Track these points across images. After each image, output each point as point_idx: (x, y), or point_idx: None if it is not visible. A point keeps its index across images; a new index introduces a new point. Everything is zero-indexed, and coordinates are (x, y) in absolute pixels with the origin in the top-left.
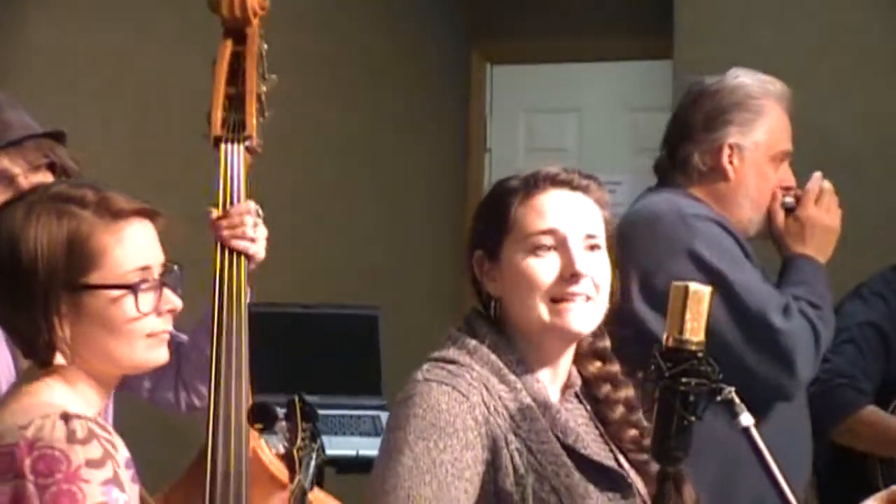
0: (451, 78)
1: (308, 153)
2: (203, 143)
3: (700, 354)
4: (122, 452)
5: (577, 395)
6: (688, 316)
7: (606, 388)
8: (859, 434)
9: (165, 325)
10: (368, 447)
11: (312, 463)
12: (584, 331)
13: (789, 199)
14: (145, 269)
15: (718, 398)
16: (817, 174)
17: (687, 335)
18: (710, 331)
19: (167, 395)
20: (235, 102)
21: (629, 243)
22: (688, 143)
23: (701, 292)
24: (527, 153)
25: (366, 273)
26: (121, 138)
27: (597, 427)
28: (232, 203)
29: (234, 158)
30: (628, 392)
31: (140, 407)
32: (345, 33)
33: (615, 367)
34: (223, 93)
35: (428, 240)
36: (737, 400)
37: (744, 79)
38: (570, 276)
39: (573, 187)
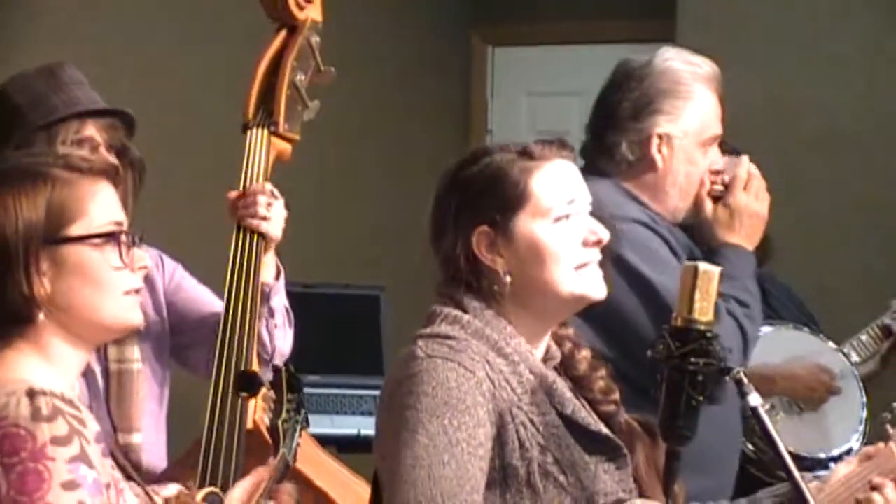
0: (452, 61)
1: (310, 135)
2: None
3: (709, 335)
4: (92, 426)
5: (555, 368)
6: (697, 296)
7: (569, 346)
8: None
9: (139, 282)
10: (370, 427)
11: (296, 435)
12: (603, 296)
13: (718, 187)
14: (119, 223)
15: (727, 378)
16: (744, 158)
17: (696, 315)
18: (636, 336)
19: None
20: (270, 91)
21: None
22: (614, 130)
23: (710, 272)
24: (529, 136)
25: (368, 253)
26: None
27: (578, 399)
28: (251, 185)
29: (258, 143)
30: (587, 351)
31: None
32: (346, 17)
33: (571, 330)
34: (260, 82)
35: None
36: (745, 380)
37: (673, 63)
38: (594, 242)
39: (569, 155)
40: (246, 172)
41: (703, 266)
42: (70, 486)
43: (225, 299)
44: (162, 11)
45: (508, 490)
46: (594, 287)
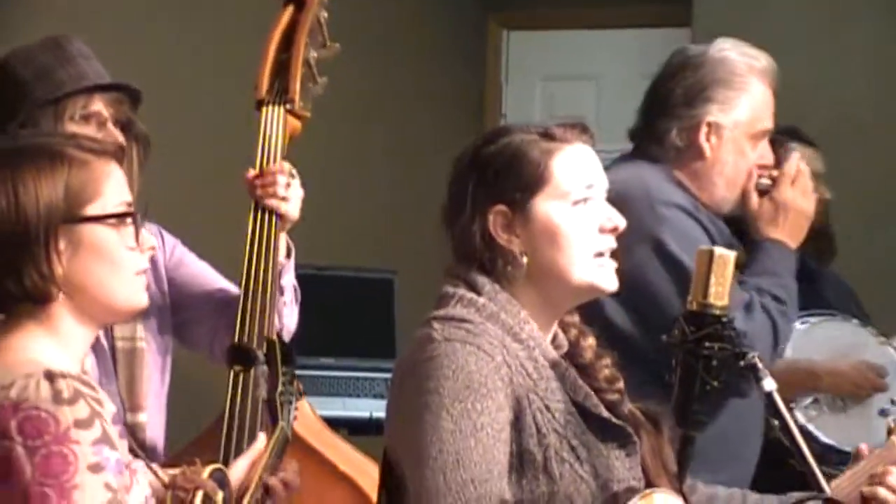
0: (467, 44)
1: (325, 118)
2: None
3: (724, 319)
4: (109, 408)
5: (562, 357)
6: (712, 280)
7: (574, 333)
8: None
9: (147, 263)
10: (382, 409)
11: (292, 408)
12: (615, 289)
13: (765, 181)
14: (129, 204)
15: (742, 363)
16: (795, 155)
17: (711, 299)
18: (666, 319)
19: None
20: (283, 67)
21: None
22: (666, 116)
23: (726, 256)
24: (545, 120)
25: (381, 236)
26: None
27: (584, 386)
28: (268, 163)
29: (274, 120)
30: (593, 339)
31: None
32: (361, 1)
33: (577, 318)
34: (273, 58)
35: (443, 203)
36: (760, 365)
37: (729, 53)
38: (611, 228)
39: (588, 140)
40: (262, 151)
41: (718, 250)
42: (96, 468)
43: (244, 279)
44: None
45: (525, 476)
46: (607, 279)
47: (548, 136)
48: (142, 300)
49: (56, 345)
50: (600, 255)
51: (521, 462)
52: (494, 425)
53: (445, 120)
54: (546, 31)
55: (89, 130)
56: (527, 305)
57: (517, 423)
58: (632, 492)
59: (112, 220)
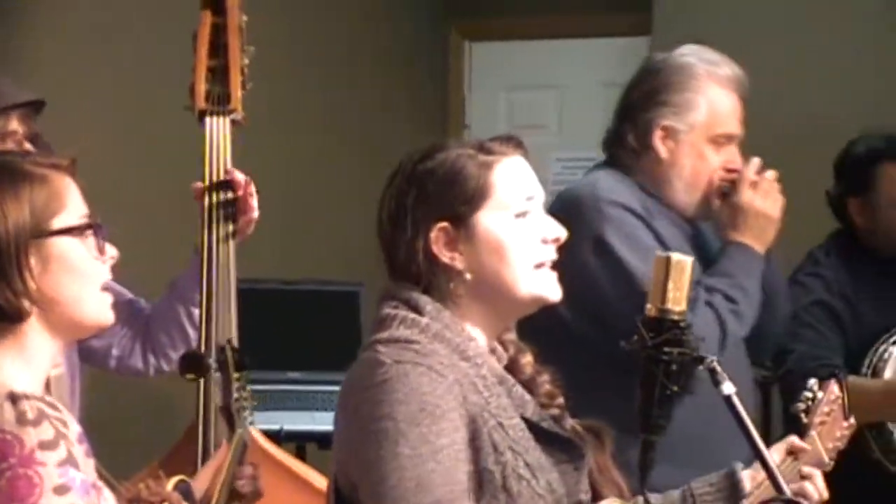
0: (430, 56)
1: (288, 130)
2: (184, 115)
3: (682, 324)
4: (74, 428)
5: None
6: (670, 286)
7: (512, 350)
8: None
9: (108, 273)
10: None
11: (248, 414)
12: (559, 298)
13: (725, 185)
14: (89, 216)
15: (700, 367)
16: (755, 160)
17: (669, 305)
18: (607, 312)
19: (135, 363)
20: (219, 75)
21: None
22: (625, 122)
23: (683, 262)
24: (509, 130)
25: (347, 249)
26: (102, 113)
27: (531, 400)
28: (217, 177)
29: (220, 131)
30: (530, 356)
31: (130, 386)
32: (324, 10)
33: (514, 335)
34: (206, 65)
35: None
36: (718, 369)
37: (688, 58)
38: (553, 239)
39: (524, 153)
40: (210, 162)
41: (675, 256)
42: (61, 490)
43: (203, 297)
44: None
45: (484, 496)
46: (550, 289)
47: (484, 149)
48: (109, 317)
49: (22, 363)
50: (541, 265)
51: (480, 481)
52: (454, 446)
53: (409, 131)
54: (508, 42)
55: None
56: (471, 321)
57: (474, 442)
58: None
59: (78, 232)
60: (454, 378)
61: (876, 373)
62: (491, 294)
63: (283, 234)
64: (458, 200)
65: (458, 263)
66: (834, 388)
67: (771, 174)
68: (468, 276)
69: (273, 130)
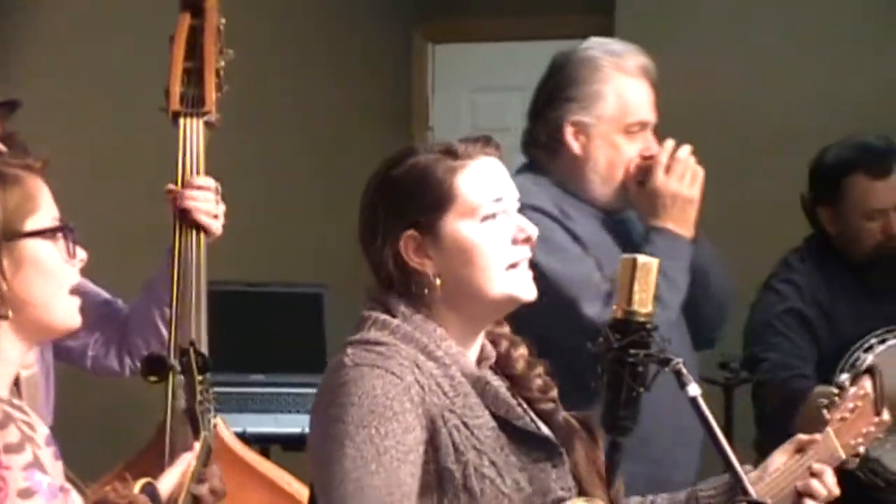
0: (393, 58)
1: (251, 132)
2: (160, 117)
3: (649, 326)
4: (41, 431)
5: (491, 368)
6: (636, 287)
7: (505, 345)
8: (819, 417)
9: (78, 276)
10: None
11: (211, 416)
12: (533, 297)
13: (641, 171)
14: (60, 219)
15: (666, 369)
16: (669, 142)
17: (635, 307)
18: (529, 322)
19: (111, 364)
20: (194, 77)
21: None
22: (537, 121)
23: (649, 264)
24: (472, 132)
25: (311, 251)
26: (74, 116)
27: (515, 398)
28: (191, 176)
29: (193, 133)
30: (524, 349)
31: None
32: (288, 12)
33: (507, 328)
34: (181, 67)
35: None
36: (684, 370)
37: (592, 52)
38: (523, 239)
39: (494, 153)
40: (183, 165)
41: (641, 258)
42: (26, 493)
43: (174, 298)
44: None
45: (445, 495)
46: (524, 288)
47: (450, 153)
48: (77, 320)
49: None
50: (514, 266)
51: (440, 481)
52: (400, 448)
53: (373, 133)
54: (471, 44)
55: None
56: (446, 324)
57: (433, 442)
58: (559, 503)
59: (50, 234)
60: (413, 379)
61: None
62: (463, 297)
63: (247, 236)
64: (422, 208)
65: (429, 269)
66: (866, 383)
67: (684, 152)
68: (439, 280)
69: (238, 132)
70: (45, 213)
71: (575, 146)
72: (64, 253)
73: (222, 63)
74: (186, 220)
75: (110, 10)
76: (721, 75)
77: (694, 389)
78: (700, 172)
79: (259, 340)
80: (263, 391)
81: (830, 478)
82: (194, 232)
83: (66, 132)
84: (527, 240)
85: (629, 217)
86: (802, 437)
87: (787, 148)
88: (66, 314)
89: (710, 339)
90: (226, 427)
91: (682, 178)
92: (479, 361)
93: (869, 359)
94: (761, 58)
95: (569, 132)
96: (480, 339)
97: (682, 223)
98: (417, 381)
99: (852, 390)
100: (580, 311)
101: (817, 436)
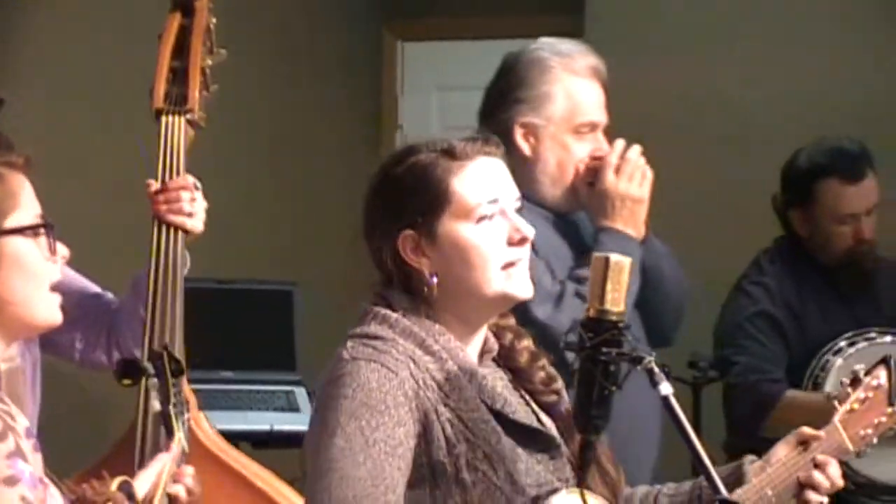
0: (362, 56)
1: (221, 130)
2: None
3: (621, 325)
4: (22, 422)
5: (494, 360)
6: (608, 286)
7: (510, 337)
8: (789, 421)
9: (59, 273)
10: (283, 422)
11: (185, 419)
12: (530, 295)
13: (589, 172)
14: (42, 216)
15: (639, 367)
16: (619, 143)
17: (608, 305)
18: None
19: (99, 357)
20: (179, 76)
21: None
22: (487, 123)
23: (622, 263)
24: (442, 132)
25: (281, 249)
26: (61, 110)
27: (517, 390)
28: (171, 176)
29: (175, 131)
30: (529, 341)
31: (66, 386)
32: (257, 10)
33: (512, 320)
34: (167, 66)
35: (341, 215)
36: (656, 369)
37: (541, 53)
38: (519, 240)
39: (493, 153)
40: (164, 163)
41: (613, 257)
42: (10, 481)
43: (150, 295)
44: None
45: (438, 487)
46: (520, 287)
47: (449, 153)
48: (58, 317)
49: None
50: (510, 265)
51: (433, 473)
52: (389, 441)
53: (342, 132)
54: (441, 42)
55: None
56: (444, 319)
57: (426, 436)
58: (553, 493)
59: (31, 232)
60: (408, 373)
61: (817, 384)
62: (460, 296)
63: (217, 234)
64: (419, 209)
65: (426, 268)
66: (881, 373)
67: (634, 153)
68: (435, 279)
69: (206, 130)
70: (27, 210)
71: (525, 147)
72: (45, 250)
73: (209, 62)
74: (164, 220)
75: (97, 10)
76: (690, 73)
77: (666, 388)
78: (650, 173)
79: (229, 338)
80: (233, 388)
81: (835, 469)
82: (172, 230)
83: (50, 131)
84: (522, 240)
85: (580, 218)
86: (806, 429)
87: (753, 147)
88: (47, 311)
89: (667, 337)
90: (209, 425)
91: (632, 178)
92: (482, 354)
93: (839, 362)
94: (729, 56)
95: (518, 133)
96: (482, 333)
97: (631, 224)
98: (412, 375)
99: (866, 380)
100: (530, 313)
101: (821, 432)
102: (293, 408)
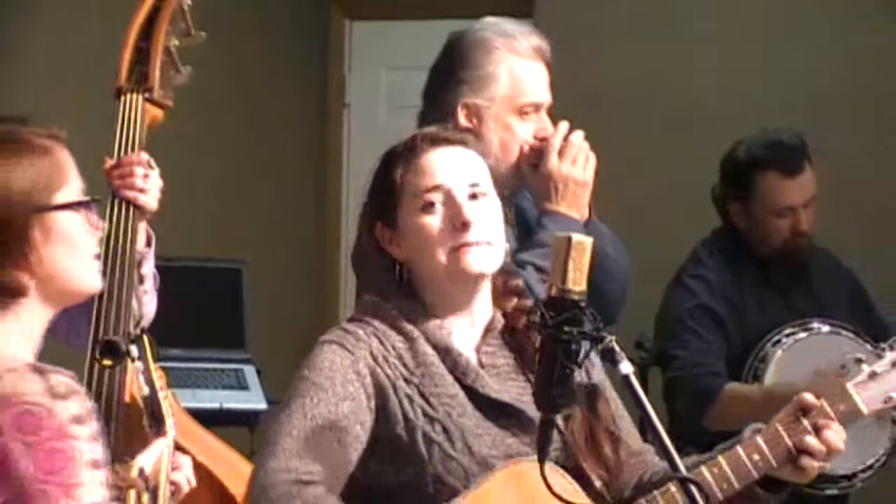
0: (310, 34)
1: (170, 109)
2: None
3: (582, 304)
4: (92, 406)
5: (504, 340)
6: (570, 266)
7: (523, 321)
8: (730, 414)
9: (97, 245)
10: (232, 400)
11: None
12: (486, 271)
13: (534, 154)
14: (84, 190)
15: (599, 347)
16: (563, 125)
17: (570, 285)
18: None
19: (85, 341)
20: (144, 55)
21: None
22: (430, 104)
23: (584, 243)
24: (390, 111)
25: (229, 227)
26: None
27: (522, 371)
28: (126, 153)
29: (132, 108)
30: (528, 303)
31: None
32: None
33: (529, 302)
34: (133, 46)
35: (289, 193)
36: (617, 348)
37: (484, 33)
38: (460, 224)
39: (451, 142)
40: (120, 140)
41: (576, 237)
42: (95, 464)
43: (107, 272)
44: None
45: (397, 458)
46: (472, 263)
47: (409, 147)
48: (99, 283)
49: (21, 336)
50: (457, 249)
51: (392, 446)
52: (329, 416)
53: (290, 110)
54: (389, 21)
55: None
56: (428, 301)
57: (384, 411)
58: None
59: (78, 207)
60: (366, 353)
61: (757, 375)
62: (425, 280)
63: (166, 211)
64: (382, 203)
65: (398, 256)
66: None
67: (577, 136)
68: (408, 265)
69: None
70: (73, 185)
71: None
72: (88, 224)
73: (176, 42)
74: (117, 196)
75: None
76: (639, 56)
77: (626, 367)
78: (592, 157)
79: (178, 315)
80: (181, 366)
81: (832, 434)
82: (125, 205)
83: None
84: (464, 224)
85: (524, 199)
86: (805, 396)
87: (699, 132)
88: (91, 279)
89: (611, 316)
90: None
91: (575, 161)
92: (488, 330)
93: (778, 353)
94: (679, 40)
95: (461, 114)
96: (480, 310)
97: (574, 206)
98: (372, 353)
99: (889, 354)
100: None
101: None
102: (242, 386)
